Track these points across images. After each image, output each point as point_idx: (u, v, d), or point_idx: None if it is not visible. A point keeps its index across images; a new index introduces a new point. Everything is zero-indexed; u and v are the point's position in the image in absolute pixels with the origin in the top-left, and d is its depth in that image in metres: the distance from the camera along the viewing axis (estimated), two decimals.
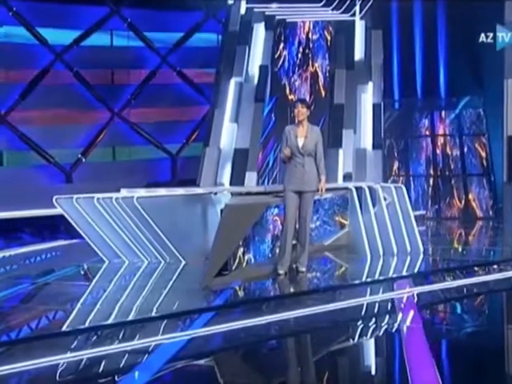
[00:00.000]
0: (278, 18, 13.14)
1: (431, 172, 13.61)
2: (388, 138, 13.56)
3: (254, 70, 12.51)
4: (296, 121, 6.33)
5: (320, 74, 12.65)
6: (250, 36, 12.86)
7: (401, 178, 13.50)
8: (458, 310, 5.64)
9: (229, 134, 11.89)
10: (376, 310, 5.43)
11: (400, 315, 5.24)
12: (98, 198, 7.07)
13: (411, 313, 5.35)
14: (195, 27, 14.86)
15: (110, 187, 8.04)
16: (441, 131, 13.84)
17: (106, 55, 14.49)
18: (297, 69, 12.58)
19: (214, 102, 12.26)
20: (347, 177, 11.47)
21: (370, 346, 4.64)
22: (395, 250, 7.79)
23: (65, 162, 13.95)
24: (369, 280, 6.45)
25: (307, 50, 12.84)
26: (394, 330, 4.90)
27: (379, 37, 13.18)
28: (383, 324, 5.04)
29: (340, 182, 11.21)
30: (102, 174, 13.76)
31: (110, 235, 7.37)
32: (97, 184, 10.59)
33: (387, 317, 5.27)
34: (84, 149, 14.15)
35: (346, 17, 13.10)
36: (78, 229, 7.44)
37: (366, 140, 11.98)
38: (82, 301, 5.60)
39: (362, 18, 13.41)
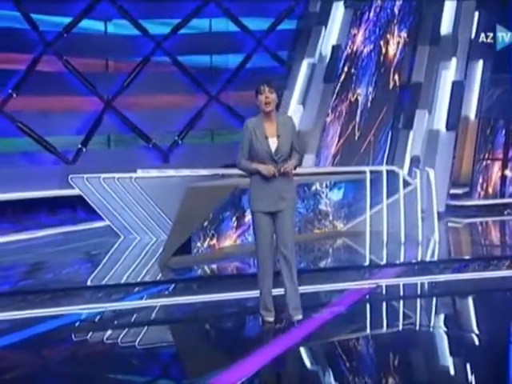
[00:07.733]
0: None
1: None
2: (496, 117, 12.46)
3: (328, 50, 12.22)
4: (262, 112, 4.42)
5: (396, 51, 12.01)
6: (328, 15, 12.55)
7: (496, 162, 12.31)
8: (397, 308, 5.26)
9: (294, 116, 11.77)
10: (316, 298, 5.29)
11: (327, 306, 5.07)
12: (103, 178, 7.60)
13: (335, 305, 5.14)
14: (288, 11, 14.78)
15: (201, 167, 8.59)
16: None
17: (205, 41, 15.06)
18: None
19: (285, 83, 12.21)
20: (414, 160, 10.84)
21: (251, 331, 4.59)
22: (403, 239, 7.34)
23: (164, 144, 14.84)
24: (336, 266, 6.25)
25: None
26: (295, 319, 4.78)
27: (471, 8, 12.11)
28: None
29: (406, 166, 10.72)
30: (195, 155, 14.44)
31: (122, 213, 7.90)
32: (191, 164, 11.26)
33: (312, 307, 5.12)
34: (180, 131, 14.93)
35: None
36: (94, 207, 8.06)
37: (441, 121, 11.17)
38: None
39: None
